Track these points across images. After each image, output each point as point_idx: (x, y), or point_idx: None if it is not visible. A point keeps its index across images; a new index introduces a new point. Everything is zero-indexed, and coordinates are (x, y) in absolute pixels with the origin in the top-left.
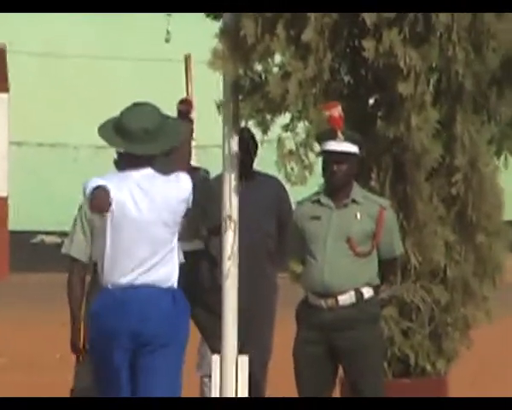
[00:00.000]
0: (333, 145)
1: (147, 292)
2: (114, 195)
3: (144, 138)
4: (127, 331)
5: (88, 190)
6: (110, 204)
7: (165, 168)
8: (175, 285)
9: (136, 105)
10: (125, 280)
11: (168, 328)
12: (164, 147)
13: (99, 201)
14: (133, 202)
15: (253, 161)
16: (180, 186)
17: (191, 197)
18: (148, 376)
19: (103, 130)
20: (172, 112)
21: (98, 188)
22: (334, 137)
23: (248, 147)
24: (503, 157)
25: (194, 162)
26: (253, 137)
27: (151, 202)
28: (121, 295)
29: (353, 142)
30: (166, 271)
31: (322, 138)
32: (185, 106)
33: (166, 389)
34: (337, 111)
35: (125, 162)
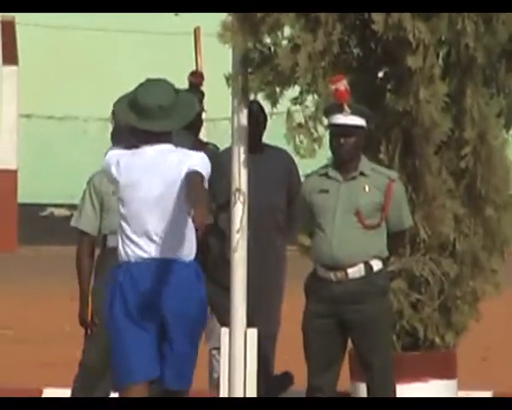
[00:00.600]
0: (340, 119)
1: (164, 266)
2: (126, 175)
3: (159, 115)
4: (145, 306)
5: (105, 164)
6: None
7: (185, 142)
8: (192, 257)
9: (150, 81)
10: (140, 254)
11: (187, 303)
12: (179, 123)
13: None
14: (145, 178)
15: (262, 134)
16: (194, 160)
17: (207, 172)
18: (166, 349)
19: (118, 105)
20: (183, 84)
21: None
22: (340, 110)
23: (258, 120)
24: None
25: (203, 136)
26: (262, 110)
27: (162, 176)
28: (137, 270)
29: (360, 115)
30: (184, 245)
31: (329, 112)
32: (196, 78)
33: (184, 358)
34: (343, 84)
35: (140, 137)
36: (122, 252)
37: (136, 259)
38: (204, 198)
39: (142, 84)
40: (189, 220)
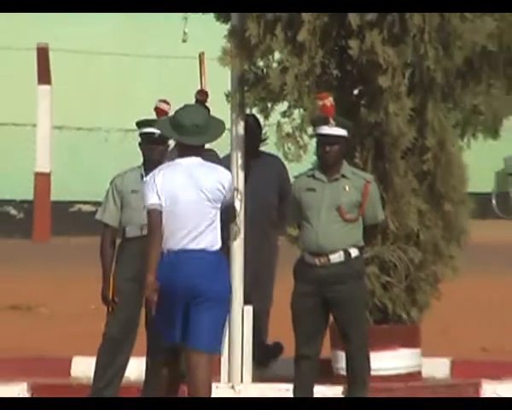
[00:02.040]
0: (325, 129)
1: (196, 255)
2: (167, 184)
3: (195, 132)
4: (181, 286)
5: (146, 186)
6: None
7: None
8: (218, 247)
9: (187, 106)
10: (178, 246)
11: (213, 285)
12: (210, 139)
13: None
14: (182, 185)
15: (259, 143)
16: (219, 173)
17: (230, 183)
18: (196, 323)
19: (162, 125)
20: (190, 101)
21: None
22: (326, 122)
23: (253, 130)
24: (466, 139)
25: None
26: (258, 122)
27: (196, 184)
28: (176, 258)
29: (343, 126)
30: (211, 238)
31: (316, 123)
32: (201, 96)
33: (211, 327)
34: (329, 101)
35: (178, 151)
36: (165, 244)
37: (169, 249)
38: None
39: (181, 108)
40: (217, 218)
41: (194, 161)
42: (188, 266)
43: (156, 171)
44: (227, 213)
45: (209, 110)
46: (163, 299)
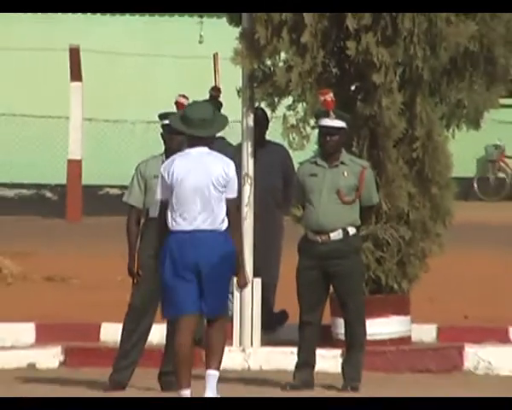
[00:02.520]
0: (326, 122)
1: (203, 233)
2: (178, 169)
3: (201, 125)
4: (191, 263)
5: (162, 168)
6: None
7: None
8: (223, 228)
9: (195, 102)
10: (187, 226)
11: (221, 261)
12: (214, 132)
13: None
14: (191, 172)
15: (265, 133)
16: (224, 162)
17: (233, 171)
18: (206, 291)
19: (173, 120)
20: (205, 97)
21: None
22: (327, 115)
23: (261, 122)
24: (451, 129)
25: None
26: (266, 115)
27: (203, 170)
28: (185, 237)
29: (342, 119)
30: (218, 219)
31: (318, 116)
32: (215, 92)
33: (218, 296)
34: (330, 96)
35: (188, 142)
36: (172, 224)
37: (182, 229)
38: (239, 220)
39: (189, 104)
40: (222, 202)
41: (202, 150)
42: (196, 243)
43: (169, 160)
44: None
45: (222, 104)
46: (176, 274)
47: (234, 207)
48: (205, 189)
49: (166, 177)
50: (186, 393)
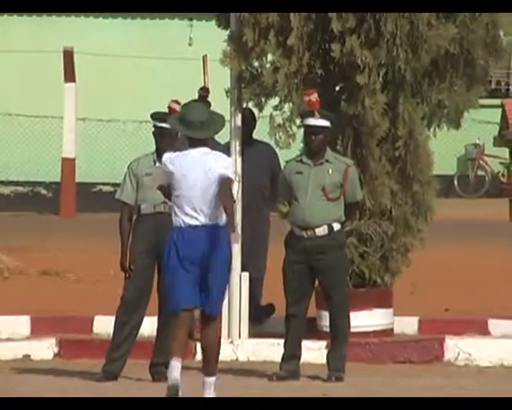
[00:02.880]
0: (311, 121)
1: (204, 229)
2: (181, 167)
3: (200, 127)
4: (192, 255)
5: (164, 161)
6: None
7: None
8: (222, 222)
9: (193, 104)
10: (188, 221)
11: (219, 254)
12: (212, 133)
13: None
14: (192, 170)
15: (252, 132)
16: (223, 160)
17: (231, 168)
18: (205, 286)
19: (172, 122)
20: (194, 96)
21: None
22: (312, 115)
23: (249, 122)
24: (432, 129)
25: None
26: (253, 114)
27: (203, 169)
28: (187, 232)
29: (326, 118)
30: (216, 214)
31: (303, 116)
32: (204, 92)
33: (218, 293)
34: (314, 96)
35: (189, 143)
36: (176, 220)
37: (185, 225)
38: (230, 196)
39: (188, 107)
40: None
41: (202, 150)
42: (197, 238)
43: (173, 156)
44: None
45: (210, 104)
46: (177, 267)
47: (226, 184)
48: (206, 186)
49: (171, 168)
50: (177, 363)
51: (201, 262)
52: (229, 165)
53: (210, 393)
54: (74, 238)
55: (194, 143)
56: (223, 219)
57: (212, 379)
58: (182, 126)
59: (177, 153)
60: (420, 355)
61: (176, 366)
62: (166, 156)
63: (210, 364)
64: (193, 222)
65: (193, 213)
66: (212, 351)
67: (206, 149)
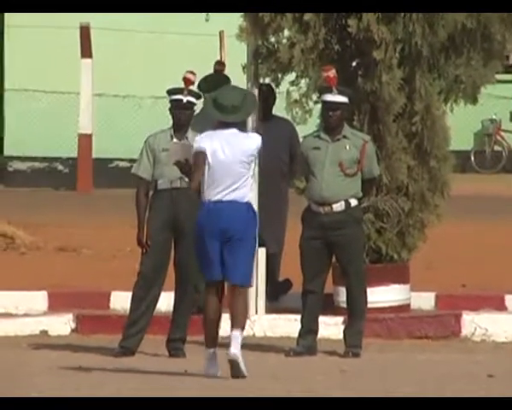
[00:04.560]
0: (329, 97)
1: (230, 205)
2: (210, 145)
3: (232, 111)
4: (218, 229)
5: (195, 143)
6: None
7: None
8: (248, 200)
9: (228, 87)
10: (216, 197)
11: (244, 227)
12: (245, 116)
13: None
14: (221, 149)
15: (272, 107)
16: (252, 140)
17: (260, 147)
18: (230, 258)
19: (206, 106)
20: (210, 71)
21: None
22: (330, 91)
23: (267, 97)
24: (449, 104)
25: None
26: (272, 89)
27: (232, 149)
28: (214, 206)
29: (344, 94)
30: (243, 192)
31: (321, 92)
32: (219, 66)
33: (243, 265)
34: (332, 72)
35: (219, 124)
36: (206, 195)
37: (214, 200)
38: None
39: (221, 90)
40: (249, 176)
41: (232, 130)
42: (223, 213)
43: (207, 134)
44: None
45: (229, 78)
46: (203, 241)
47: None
48: (234, 165)
49: (202, 145)
50: (210, 351)
51: (229, 236)
52: (258, 145)
53: (236, 347)
54: (91, 214)
55: (226, 124)
56: (248, 196)
57: (238, 333)
58: (215, 110)
59: (209, 132)
60: (436, 331)
61: (210, 354)
62: (197, 137)
63: (238, 320)
64: (217, 197)
65: (218, 189)
66: (240, 315)
67: (235, 130)
